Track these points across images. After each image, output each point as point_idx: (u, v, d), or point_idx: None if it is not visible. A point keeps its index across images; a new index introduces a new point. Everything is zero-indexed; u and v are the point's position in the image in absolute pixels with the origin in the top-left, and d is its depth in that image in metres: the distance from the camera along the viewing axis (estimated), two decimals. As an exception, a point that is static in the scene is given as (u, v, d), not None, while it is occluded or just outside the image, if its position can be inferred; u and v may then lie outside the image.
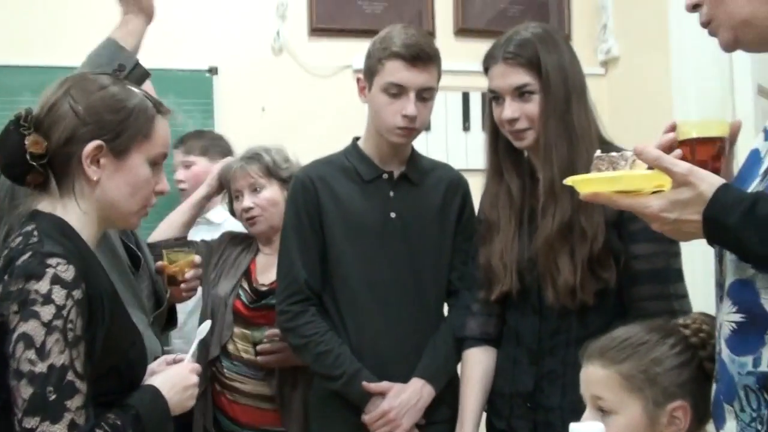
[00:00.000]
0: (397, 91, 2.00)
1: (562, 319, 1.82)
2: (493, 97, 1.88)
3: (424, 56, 2.00)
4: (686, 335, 1.39)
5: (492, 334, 1.97)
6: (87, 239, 1.45)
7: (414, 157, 2.17)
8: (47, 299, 1.28)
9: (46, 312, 1.28)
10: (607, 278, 1.77)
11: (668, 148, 1.28)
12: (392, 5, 3.54)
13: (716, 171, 1.24)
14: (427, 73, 2.01)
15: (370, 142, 2.13)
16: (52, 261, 1.31)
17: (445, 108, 3.56)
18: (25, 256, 1.32)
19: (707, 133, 1.29)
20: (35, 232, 1.37)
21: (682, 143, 1.29)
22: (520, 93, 1.82)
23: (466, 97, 3.55)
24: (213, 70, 3.31)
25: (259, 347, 2.28)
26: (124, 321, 1.47)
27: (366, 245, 2.08)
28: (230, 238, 2.59)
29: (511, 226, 1.88)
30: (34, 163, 1.41)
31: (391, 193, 2.10)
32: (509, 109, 1.82)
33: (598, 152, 1.28)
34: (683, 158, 1.22)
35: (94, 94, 1.45)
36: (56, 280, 1.30)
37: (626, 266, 1.78)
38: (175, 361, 1.60)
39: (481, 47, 1.95)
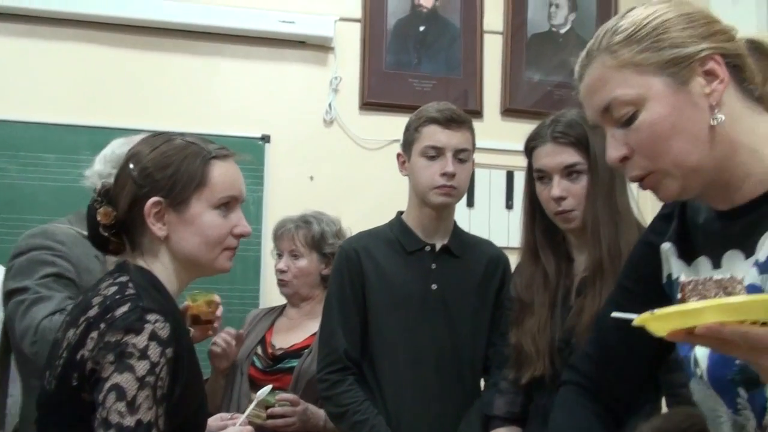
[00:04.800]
0: (434, 153, 2.08)
1: None
2: (539, 177, 1.91)
3: (457, 119, 2.10)
4: None
5: (518, 413, 1.97)
6: (171, 293, 1.50)
7: (457, 231, 2.21)
8: (143, 355, 1.32)
9: (141, 367, 1.31)
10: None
11: None
12: (441, 84, 3.64)
13: None
14: (461, 134, 2.10)
15: (413, 214, 2.18)
16: (151, 317, 1.35)
17: (489, 186, 3.61)
18: (125, 308, 1.36)
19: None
20: (130, 284, 1.42)
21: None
22: (569, 172, 1.86)
23: (510, 176, 3.60)
24: (266, 138, 3.41)
25: (269, 410, 2.29)
26: (197, 381, 1.51)
27: (407, 316, 2.11)
28: (267, 311, 2.69)
29: (545, 308, 1.90)
30: (106, 233, 1.50)
31: (433, 265, 2.14)
32: (558, 188, 1.85)
33: (683, 277, 1.13)
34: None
35: (146, 156, 1.52)
36: (153, 336, 1.33)
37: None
38: (233, 418, 1.65)
39: (526, 128, 2.00)
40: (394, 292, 2.12)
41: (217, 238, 1.52)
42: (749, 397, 1.11)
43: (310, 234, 2.53)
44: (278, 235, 2.60)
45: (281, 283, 2.57)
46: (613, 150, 1.17)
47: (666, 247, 1.27)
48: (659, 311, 0.97)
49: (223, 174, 1.54)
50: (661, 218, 1.34)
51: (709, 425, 1.20)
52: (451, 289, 2.13)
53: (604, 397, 1.42)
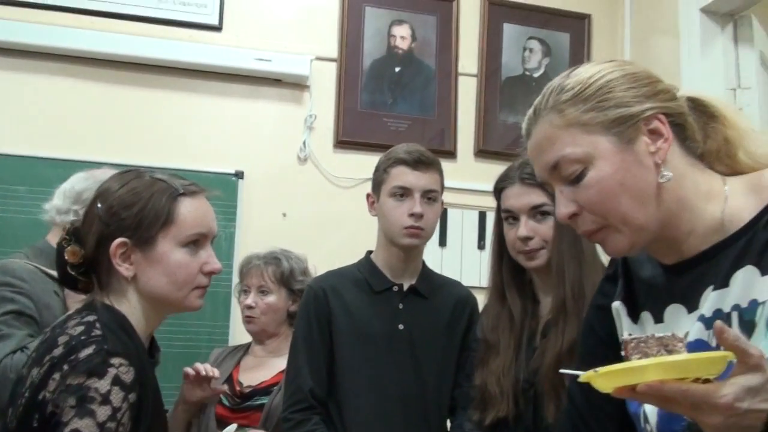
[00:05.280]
0: (403, 193, 2.10)
1: None
2: (507, 217, 1.94)
3: (425, 160, 2.13)
4: None
5: None
6: (140, 332, 1.47)
7: (425, 272, 2.23)
8: (105, 400, 1.29)
9: (102, 413, 1.28)
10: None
11: None
12: (416, 124, 3.67)
13: None
14: (429, 175, 2.13)
15: (381, 254, 2.20)
16: (115, 361, 1.32)
17: (461, 226, 3.63)
18: (89, 350, 1.33)
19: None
20: (98, 324, 1.39)
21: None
22: (536, 213, 1.89)
23: (482, 216, 3.62)
24: (239, 174, 3.41)
25: None
26: (161, 425, 1.48)
27: (373, 356, 2.11)
28: (232, 350, 2.66)
29: (510, 349, 1.91)
30: (73, 272, 1.49)
31: (400, 305, 2.15)
32: (524, 228, 1.88)
33: (626, 335, 1.07)
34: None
35: (114, 194, 1.50)
36: (117, 381, 1.31)
37: None
38: None
39: (499, 169, 2.03)
40: (360, 331, 2.12)
41: (185, 277, 1.50)
42: None
43: (279, 270, 2.53)
44: (245, 272, 2.59)
45: (248, 320, 2.55)
46: (563, 207, 1.19)
47: (616, 305, 1.29)
48: (602, 369, 1.00)
49: (191, 211, 1.52)
50: (607, 280, 1.36)
51: None
52: (418, 330, 2.13)
53: None
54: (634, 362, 0.99)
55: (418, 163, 2.11)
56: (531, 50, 3.87)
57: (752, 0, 3.23)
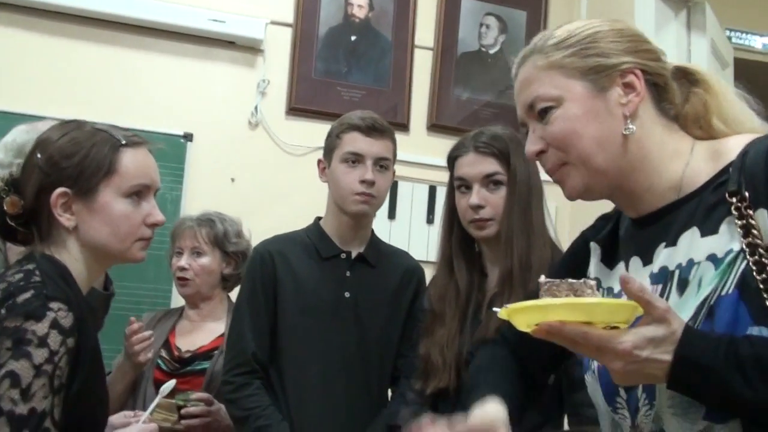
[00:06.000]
0: (355, 159, 2.09)
1: None
2: (459, 186, 1.94)
3: (379, 127, 2.11)
4: None
5: None
6: (81, 283, 1.46)
7: (374, 240, 2.22)
8: (42, 342, 1.28)
9: (39, 355, 1.28)
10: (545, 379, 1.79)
11: None
12: (370, 94, 3.65)
13: None
14: (382, 143, 2.11)
15: (331, 220, 2.18)
16: (54, 305, 1.32)
17: (411, 199, 3.63)
18: (27, 295, 1.32)
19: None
20: (37, 272, 1.38)
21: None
22: (488, 182, 1.90)
23: (432, 190, 3.63)
24: (188, 137, 3.35)
25: (183, 411, 2.23)
26: (99, 377, 1.47)
27: (317, 322, 2.09)
28: (164, 314, 2.62)
29: (455, 321, 1.91)
30: (12, 224, 1.46)
31: (348, 273, 2.14)
32: (476, 196, 1.89)
33: (543, 278, 1.08)
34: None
35: (54, 143, 1.48)
36: (55, 324, 1.30)
37: (566, 371, 1.79)
38: (136, 416, 1.61)
39: (451, 143, 2.03)
40: (306, 297, 2.11)
41: (128, 228, 1.50)
42: (627, 398, 1.18)
43: (213, 232, 2.50)
44: (179, 233, 2.54)
45: (182, 282, 2.50)
46: (531, 144, 1.25)
47: (593, 246, 1.35)
48: (512, 306, 1.06)
49: (133, 162, 1.51)
50: (602, 218, 1.42)
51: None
52: (364, 298, 2.13)
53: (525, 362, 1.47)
54: (543, 300, 1.03)
55: (371, 129, 2.09)
56: (488, 26, 3.87)
57: (706, -13, 3.27)
